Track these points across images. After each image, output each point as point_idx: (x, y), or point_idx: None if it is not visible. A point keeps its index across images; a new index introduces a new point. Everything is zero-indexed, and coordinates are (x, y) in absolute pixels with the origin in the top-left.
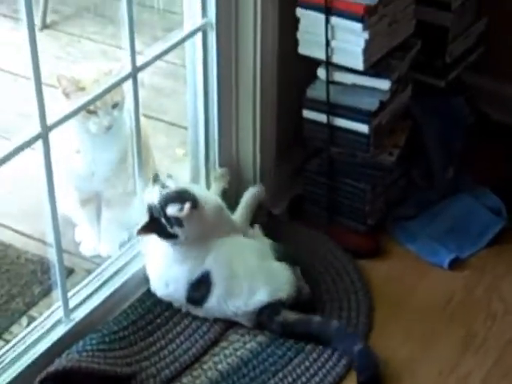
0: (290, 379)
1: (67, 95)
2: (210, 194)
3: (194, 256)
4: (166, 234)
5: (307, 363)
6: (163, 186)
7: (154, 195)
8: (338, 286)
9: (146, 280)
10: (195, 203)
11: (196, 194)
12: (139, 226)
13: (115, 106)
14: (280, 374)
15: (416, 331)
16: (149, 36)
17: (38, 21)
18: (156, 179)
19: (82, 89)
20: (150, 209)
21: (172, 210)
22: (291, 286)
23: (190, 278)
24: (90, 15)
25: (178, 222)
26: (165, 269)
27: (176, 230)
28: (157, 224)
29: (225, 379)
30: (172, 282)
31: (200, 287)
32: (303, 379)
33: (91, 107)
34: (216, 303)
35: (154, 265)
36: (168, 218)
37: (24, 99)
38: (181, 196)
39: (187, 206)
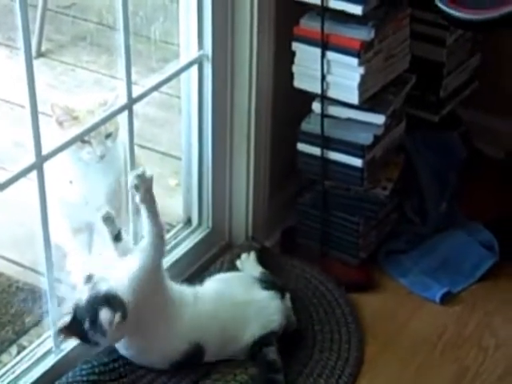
0: None
1: (61, 124)
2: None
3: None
4: (86, 340)
5: None
6: (94, 287)
7: (82, 295)
8: (329, 319)
9: None
10: (124, 313)
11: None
12: (59, 326)
13: (109, 136)
14: None
15: (408, 366)
16: (143, 66)
17: (32, 49)
18: (88, 280)
19: (76, 118)
20: (75, 309)
21: (105, 315)
22: (281, 315)
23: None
24: (84, 44)
25: (102, 331)
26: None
27: (98, 337)
28: (78, 327)
29: None
30: (155, 363)
31: (191, 358)
32: None
33: (85, 137)
34: (210, 358)
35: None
36: (92, 323)
37: (19, 128)
38: (110, 301)
39: (117, 318)
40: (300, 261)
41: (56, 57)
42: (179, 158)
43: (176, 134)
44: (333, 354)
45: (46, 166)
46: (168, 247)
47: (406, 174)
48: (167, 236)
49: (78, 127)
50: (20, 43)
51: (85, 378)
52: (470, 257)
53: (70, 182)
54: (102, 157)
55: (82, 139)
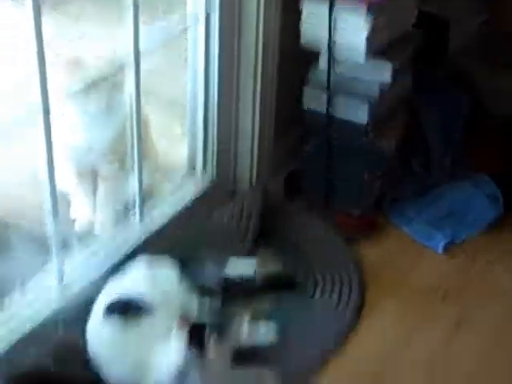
0: None
1: (68, 73)
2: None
3: None
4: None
5: None
6: None
7: None
8: (330, 265)
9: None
10: None
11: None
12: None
13: (115, 87)
14: None
15: (408, 312)
16: (149, 16)
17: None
18: None
19: (84, 68)
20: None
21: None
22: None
23: None
24: None
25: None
26: None
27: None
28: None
29: None
30: None
31: None
32: None
33: (92, 88)
34: None
35: None
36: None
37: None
38: None
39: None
40: (303, 206)
41: (59, 8)
42: (184, 107)
43: (181, 82)
44: (333, 297)
45: (52, 111)
46: (172, 195)
47: (411, 128)
48: (171, 183)
49: (85, 76)
50: None
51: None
52: (473, 208)
53: (75, 129)
54: (108, 108)
55: (89, 90)
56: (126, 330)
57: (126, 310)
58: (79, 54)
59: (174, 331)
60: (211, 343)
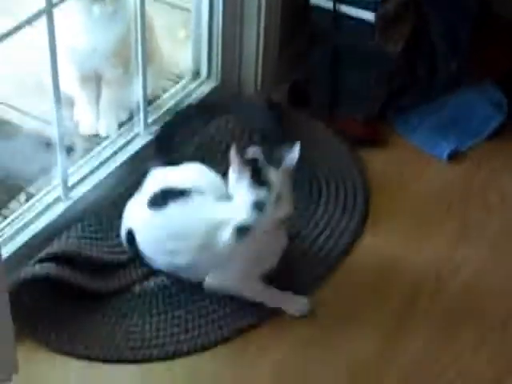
0: None
1: None
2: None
3: None
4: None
5: None
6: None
7: None
8: (335, 173)
9: (143, 162)
10: None
11: None
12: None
13: None
14: None
15: (412, 220)
16: None
17: None
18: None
19: None
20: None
21: None
22: None
23: None
24: None
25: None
26: None
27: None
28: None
29: None
30: None
31: None
32: None
33: None
34: None
35: None
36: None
37: None
38: None
39: None
40: (307, 115)
41: None
42: (188, 10)
43: None
44: (339, 205)
45: (55, 13)
46: (176, 99)
47: (418, 31)
48: (175, 88)
49: None
50: None
51: (93, 235)
52: (478, 115)
53: (79, 33)
54: (113, 13)
55: None
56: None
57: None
58: None
59: (231, 171)
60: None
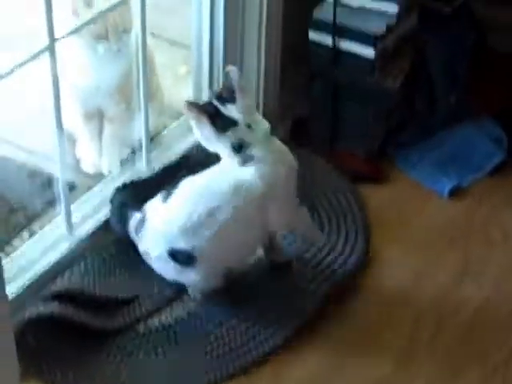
0: None
1: (75, 12)
2: None
3: None
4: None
5: None
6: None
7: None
8: (335, 209)
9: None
10: None
11: None
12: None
13: (125, 31)
14: None
15: (413, 256)
16: None
17: None
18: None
19: (92, 5)
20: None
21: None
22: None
23: None
24: None
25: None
26: None
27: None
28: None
29: None
30: None
31: None
32: None
33: (102, 31)
34: None
35: None
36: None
37: (28, 12)
38: None
39: None
40: (308, 151)
41: None
42: (188, 47)
43: (185, 21)
44: (340, 240)
45: (59, 51)
46: (177, 135)
47: (416, 66)
48: (177, 124)
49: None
50: None
51: (96, 272)
52: (478, 151)
53: (84, 72)
54: (117, 51)
55: (98, 34)
56: None
57: None
58: None
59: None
60: None
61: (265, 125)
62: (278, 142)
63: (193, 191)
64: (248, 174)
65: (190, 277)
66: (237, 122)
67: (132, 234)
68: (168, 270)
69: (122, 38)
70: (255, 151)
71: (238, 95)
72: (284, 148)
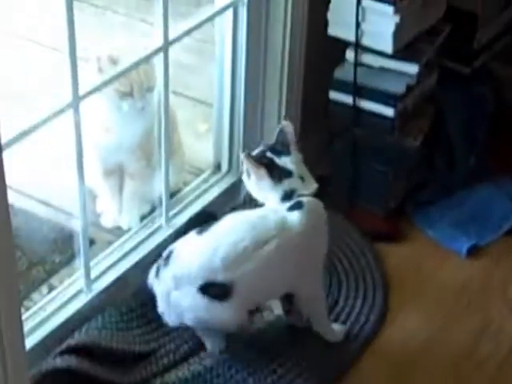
0: None
1: (100, 71)
2: None
3: None
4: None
5: None
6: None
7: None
8: (354, 268)
9: None
10: None
11: None
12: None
13: (149, 89)
14: None
15: (432, 316)
16: (172, 11)
17: None
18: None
19: (115, 63)
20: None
21: None
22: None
23: None
24: None
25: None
26: None
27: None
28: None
29: None
30: None
31: None
32: None
33: (127, 89)
34: None
35: None
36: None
37: (48, 69)
38: None
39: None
40: (327, 209)
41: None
42: (209, 104)
43: (206, 79)
44: (358, 302)
45: (82, 108)
46: (197, 193)
47: (436, 126)
48: (197, 181)
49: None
50: None
51: (114, 326)
52: (497, 210)
53: (107, 129)
54: (142, 109)
55: (123, 92)
56: None
57: None
58: (114, 51)
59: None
60: None
61: (314, 183)
62: (321, 204)
63: (240, 223)
64: (295, 217)
65: (217, 313)
66: (291, 173)
67: (150, 279)
68: (191, 307)
69: (145, 95)
70: (305, 200)
71: (292, 148)
72: (324, 212)
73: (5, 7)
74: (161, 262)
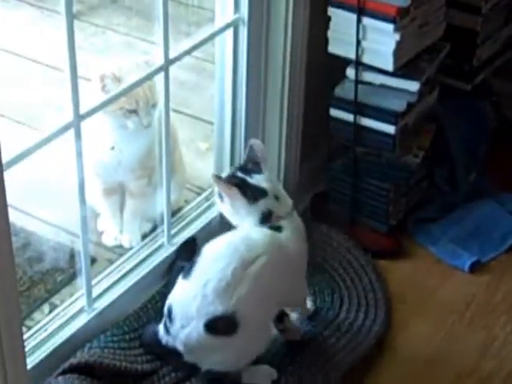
0: None
1: (104, 89)
2: None
3: None
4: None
5: None
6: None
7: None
8: (356, 285)
9: (167, 272)
10: None
11: None
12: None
13: (154, 106)
14: None
15: (435, 332)
16: (174, 30)
17: (63, 10)
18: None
19: (119, 81)
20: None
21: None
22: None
23: None
24: (115, 6)
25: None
26: None
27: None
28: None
29: None
30: None
31: None
32: None
33: (132, 106)
34: None
35: None
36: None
37: (49, 88)
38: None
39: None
40: (328, 227)
41: (86, 18)
42: (210, 122)
43: (206, 98)
44: (360, 315)
45: (84, 127)
46: (199, 210)
47: (437, 143)
48: (198, 199)
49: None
50: (59, 5)
51: (116, 345)
52: (499, 226)
53: (112, 147)
54: (147, 126)
55: (128, 109)
56: None
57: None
58: (116, 69)
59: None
60: None
61: (289, 199)
62: (298, 219)
63: (222, 249)
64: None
65: (234, 348)
66: (266, 192)
67: (163, 338)
68: (208, 351)
69: (150, 112)
70: (283, 223)
71: (263, 166)
72: (302, 226)
73: (6, 25)
74: (166, 319)
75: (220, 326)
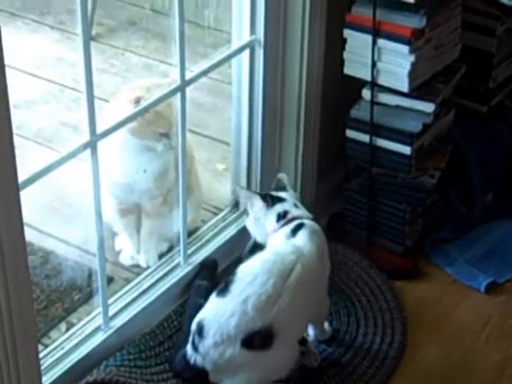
0: None
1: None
2: None
3: None
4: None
5: None
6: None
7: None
8: (372, 305)
9: (183, 292)
10: None
11: None
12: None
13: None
14: None
15: (451, 354)
16: (191, 52)
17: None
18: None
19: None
20: None
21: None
22: None
23: None
24: (134, 29)
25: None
26: None
27: None
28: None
29: None
30: None
31: None
32: None
33: (166, 130)
34: None
35: None
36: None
37: (67, 109)
38: None
39: None
40: (344, 247)
41: (106, 41)
42: (227, 143)
43: (224, 119)
44: (376, 338)
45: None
46: (215, 230)
47: (453, 164)
48: (215, 220)
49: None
50: (77, 28)
51: (132, 363)
52: None
53: (144, 170)
54: (174, 148)
55: (161, 132)
56: None
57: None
58: (138, 92)
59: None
60: None
61: (307, 212)
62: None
63: (257, 267)
64: (301, 242)
65: (264, 365)
66: (284, 199)
67: (191, 356)
68: (244, 368)
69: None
70: (305, 222)
71: (288, 188)
72: (324, 237)
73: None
74: (195, 336)
75: (256, 340)
